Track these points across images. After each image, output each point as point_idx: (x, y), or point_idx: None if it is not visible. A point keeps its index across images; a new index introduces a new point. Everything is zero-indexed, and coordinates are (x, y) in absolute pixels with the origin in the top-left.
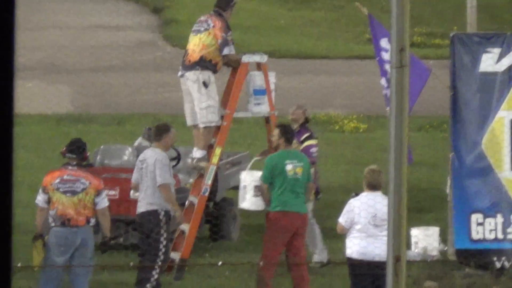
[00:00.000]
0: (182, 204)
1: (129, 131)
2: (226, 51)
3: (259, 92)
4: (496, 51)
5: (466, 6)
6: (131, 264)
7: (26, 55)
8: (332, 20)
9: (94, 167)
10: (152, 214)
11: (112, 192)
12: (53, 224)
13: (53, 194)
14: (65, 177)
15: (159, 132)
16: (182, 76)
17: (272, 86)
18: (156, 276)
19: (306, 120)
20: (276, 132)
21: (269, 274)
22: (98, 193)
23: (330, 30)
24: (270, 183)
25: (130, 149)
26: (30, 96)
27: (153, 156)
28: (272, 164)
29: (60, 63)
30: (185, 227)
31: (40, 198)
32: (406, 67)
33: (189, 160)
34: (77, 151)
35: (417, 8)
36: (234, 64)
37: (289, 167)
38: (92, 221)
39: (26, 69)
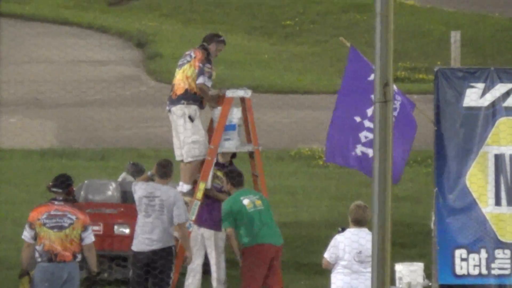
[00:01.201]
0: None
1: (112, 166)
2: (200, 80)
3: (228, 128)
4: (480, 86)
5: (449, 41)
6: None
7: (9, 90)
8: (315, 55)
9: (77, 202)
10: (168, 251)
11: (95, 228)
12: (39, 260)
13: (40, 230)
14: (52, 212)
15: (168, 169)
16: (169, 111)
17: (238, 122)
18: None
19: (234, 155)
20: (223, 179)
21: None
22: (84, 228)
23: (313, 65)
24: (235, 227)
25: (114, 184)
26: (14, 131)
27: (170, 194)
28: (229, 207)
29: (43, 97)
30: None
31: (27, 234)
32: (389, 102)
33: None
34: (63, 185)
35: (401, 42)
36: (206, 99)
37: (246, 201)
38: (79, 256)
39: (9, 104)
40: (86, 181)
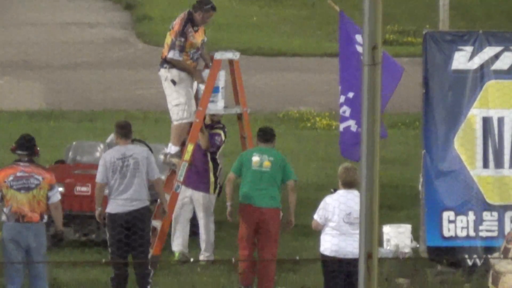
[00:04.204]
0: (154, 201)
1: (101, 127)
2: (169, 54)
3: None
4: (469, 49)
5: (438, 4)
6: (103, 260)
7: None
8: (304, 18)
9: (65, 163)
10: (147, 209)
11: (84, 189)
12: (6, 221)
13: (7, 192)
14: (18, 174)
15: (128, 130)
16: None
17: (223, 84)
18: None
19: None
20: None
21: (245, 265)
22: (50, 187)
23: (302, 28)
24: (239, 175)
25: (102, 145)
26: (2, 93)
27: (142, 150)
28: (243, 155)
29: (32, 59)
30: (156, 223)
31: None
32: (378, 65)
33: (162, 156)
34: (27, 146)
35: (389, 6)
36: (180, 69)
37: (255, 158)
38: (45, 217)
39: None
40: (74, 143)
